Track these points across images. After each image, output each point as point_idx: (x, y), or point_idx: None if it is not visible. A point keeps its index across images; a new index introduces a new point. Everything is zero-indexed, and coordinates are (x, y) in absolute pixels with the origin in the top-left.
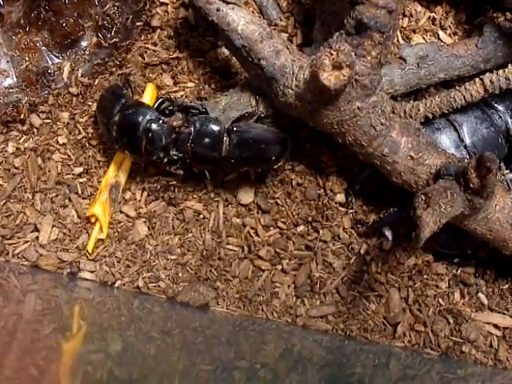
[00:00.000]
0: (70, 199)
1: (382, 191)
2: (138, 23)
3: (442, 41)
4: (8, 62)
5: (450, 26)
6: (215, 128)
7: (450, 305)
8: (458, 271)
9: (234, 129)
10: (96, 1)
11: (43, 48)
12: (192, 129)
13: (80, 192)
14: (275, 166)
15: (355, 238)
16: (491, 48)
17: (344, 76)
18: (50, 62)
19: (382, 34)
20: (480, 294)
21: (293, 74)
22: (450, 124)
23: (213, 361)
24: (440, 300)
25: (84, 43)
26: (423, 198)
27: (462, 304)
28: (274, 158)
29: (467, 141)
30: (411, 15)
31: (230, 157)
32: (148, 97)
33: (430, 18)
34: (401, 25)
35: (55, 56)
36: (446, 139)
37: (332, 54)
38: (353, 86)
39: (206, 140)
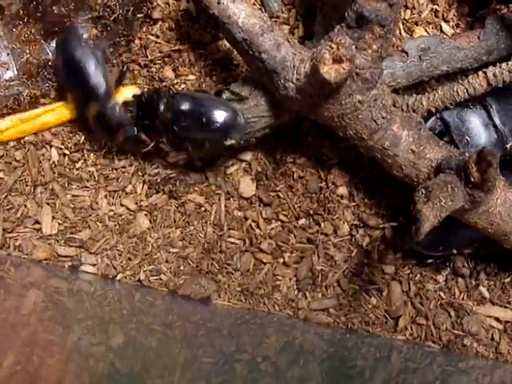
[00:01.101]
0: (70, 191)
1: (384, 185)
2: (138, 15)
3: (444, 33)
4: (8, 54)
5: (452, 19)
6: (156, 95)
7: (451, 298)
8: (456, 264)
9: (174, 95)
10: None
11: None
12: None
13: (80, 184)
14: (226, 144)
15: (357, 231)
16: (493, 40)
17: (344, 69)
18: (51, 55)
19: (383, 27)
20: (481, 288)
21: (294, 67)
22: (480, 103)
23: (214, 354)
24: (441, 293)
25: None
26: (423, 191)
27: (463, 297)
28: (218, 131)
29: (497, 120)
30: (414, 7)
31: (172, 124)
32: None
33: (432, 10)
34: (403, 17)
35: None
36: (475, 119)
37: (332, 48)
38: (353, 79)
39: (148, 108)
